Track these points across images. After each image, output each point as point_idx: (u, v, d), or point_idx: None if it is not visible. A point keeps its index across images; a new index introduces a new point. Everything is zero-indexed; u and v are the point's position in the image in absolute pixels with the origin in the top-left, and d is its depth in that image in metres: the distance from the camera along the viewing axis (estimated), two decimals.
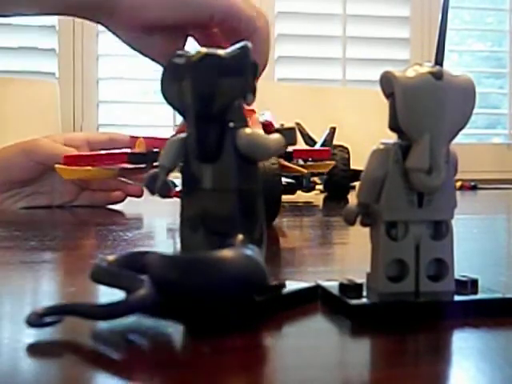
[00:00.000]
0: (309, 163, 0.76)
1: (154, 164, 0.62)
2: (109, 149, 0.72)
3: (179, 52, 0.26)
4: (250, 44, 0.26)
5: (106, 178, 0.68)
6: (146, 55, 0.57)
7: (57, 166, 0.64)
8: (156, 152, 0.62)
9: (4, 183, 0.72)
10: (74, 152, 0.68)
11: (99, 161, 0.65)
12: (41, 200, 0.73)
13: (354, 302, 0.23)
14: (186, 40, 0.56)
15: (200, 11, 0.52)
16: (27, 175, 0.71)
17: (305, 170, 0.69)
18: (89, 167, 0.64)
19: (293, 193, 0.82)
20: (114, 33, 0.56)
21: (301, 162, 0.77)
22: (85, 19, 0.56)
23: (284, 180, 0.75)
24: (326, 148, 0.82)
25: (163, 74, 0.26)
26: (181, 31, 0.55)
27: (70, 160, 0.64)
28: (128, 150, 0.66)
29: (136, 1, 0.52)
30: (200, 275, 0.21)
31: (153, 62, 0.57)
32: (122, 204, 0.75)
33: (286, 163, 0.65)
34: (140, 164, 0.64)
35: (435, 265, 0.25)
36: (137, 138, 0.66)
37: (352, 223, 0.25)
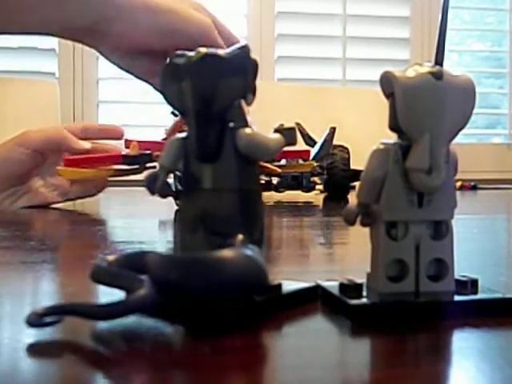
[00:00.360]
0: (292, 163, 0.79)
1: (147, 165, 0.69)
2: (102, 138, 0.76)
3: (179, 52, 0.26)
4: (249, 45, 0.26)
5: (103, 177, 0.71)
6: (130, 73, 0.61)
7: (58, 168, 0.68)
8: (148, 154, 0.68)
9: (3, 181, 0.72)
10: (64, 132, 0.71)
11: (96, 162, 0.70)
12: (38, 198, 0.74)
13: (354, 301, 0.23)
14: None
15: (183, 41, 0.57)
16: (25, 167, 0.73)
17: (279, 170, 0.72)
18: (86, 169, 0.69)
19: (268, 191, 0.83)
20: (100, 53, 0.60)
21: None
22: (74, 41, 0.60)
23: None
24: (307, 149, 0.84)
25: (163, 74, 0.26)
26: (164, 54, 0.59)
27: (70, 162, 0.69)
28: (123, 153, 0.71)
29: (126, 27, 0.57)
30: (200, 275, 0.21)
31: (137, 79, 0.61)
32: (121, 204, 0.75)
33: (262, 163, 0.66)
34: (133, 165, 0.69)
35: (435, 265, 0.25)
36: (131, 141, 0.71)
37: (352, 223, 0.25)
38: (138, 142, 0.70)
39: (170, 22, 0.57)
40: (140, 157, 0.68)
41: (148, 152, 0.68)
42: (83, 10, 0.56)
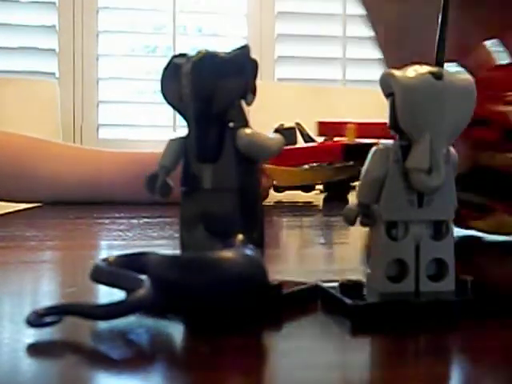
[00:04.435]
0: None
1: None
2: None
3: (179, 52, 0.26)
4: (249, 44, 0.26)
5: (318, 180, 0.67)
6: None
7: (267, 166, 0.64)
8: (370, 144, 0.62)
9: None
10: None
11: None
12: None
13: (354, 301, 0.23)
14: None
15: None
16: None
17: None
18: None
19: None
20: None
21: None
22: None
23: None
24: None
25: (163, 74, 0.26)
26: None
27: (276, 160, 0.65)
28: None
29: None
30: (200, 275, 0.21)
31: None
32: (122, 203, 0.75)
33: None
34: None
35: (435, 265, 0.25)
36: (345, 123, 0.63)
37: (352, 223, 0.25)
38: (357, 124, 0.57)
39: None
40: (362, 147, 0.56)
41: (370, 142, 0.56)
42: None
